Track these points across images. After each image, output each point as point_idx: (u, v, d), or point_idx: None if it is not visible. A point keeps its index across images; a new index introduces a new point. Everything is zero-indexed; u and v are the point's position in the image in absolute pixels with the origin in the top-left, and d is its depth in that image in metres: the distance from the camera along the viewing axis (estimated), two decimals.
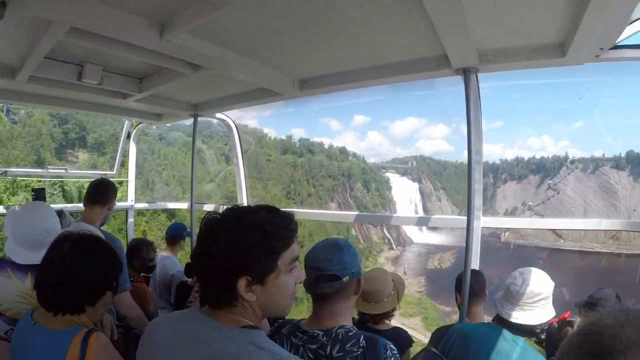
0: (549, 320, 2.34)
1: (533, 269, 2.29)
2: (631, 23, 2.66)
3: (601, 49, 2.58)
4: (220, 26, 2.48)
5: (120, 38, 2.56)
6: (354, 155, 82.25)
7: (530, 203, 66.55)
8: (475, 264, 3.64)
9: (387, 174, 79.10)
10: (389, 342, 1.64)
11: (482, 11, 2.22)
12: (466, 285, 2.83)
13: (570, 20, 2.30)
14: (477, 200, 3.74)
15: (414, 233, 66.73)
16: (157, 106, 4.57)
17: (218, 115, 5.37)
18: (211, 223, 1.25)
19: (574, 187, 64.30)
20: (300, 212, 6.07)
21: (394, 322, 3.09)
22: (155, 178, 52.38)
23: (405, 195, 77.31)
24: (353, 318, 2.82)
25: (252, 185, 65.21)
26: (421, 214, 72.63)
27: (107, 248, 1.80)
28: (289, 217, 1.30)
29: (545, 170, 68.74)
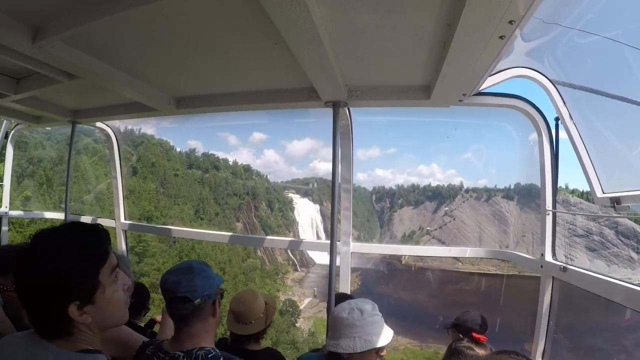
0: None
1: (355, 300, 2.31)
2: (494, 74, 3.08)
3: (464, 94, 2.94)
4: (97, 38, 2.48)
5: None
6: (258, 173, 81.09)
7: (428, 228, 70.58)
8: (345, 288, 3.83)
9: (290, 195, 79.25)
10: None
11: (349, 52, 2.45)
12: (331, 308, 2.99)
13: (433, 68, 2.62)
14: (346, 226, 3.96)
15: (315, 255, 66.74)
16: (35, 109, 4.41)
17: (98, 124, 5.27)
18: (24, 253, 1.22)
19: (469, 214, 69.30)
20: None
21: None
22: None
23: (307, 216, 77.79)
24: (225, 338, 2.87)
25: (166, 205, 60.38)
26: (322, 235, 73.54)
27: None
28: (96, 232, 1.31)
29: (441, 197, 73.41)
